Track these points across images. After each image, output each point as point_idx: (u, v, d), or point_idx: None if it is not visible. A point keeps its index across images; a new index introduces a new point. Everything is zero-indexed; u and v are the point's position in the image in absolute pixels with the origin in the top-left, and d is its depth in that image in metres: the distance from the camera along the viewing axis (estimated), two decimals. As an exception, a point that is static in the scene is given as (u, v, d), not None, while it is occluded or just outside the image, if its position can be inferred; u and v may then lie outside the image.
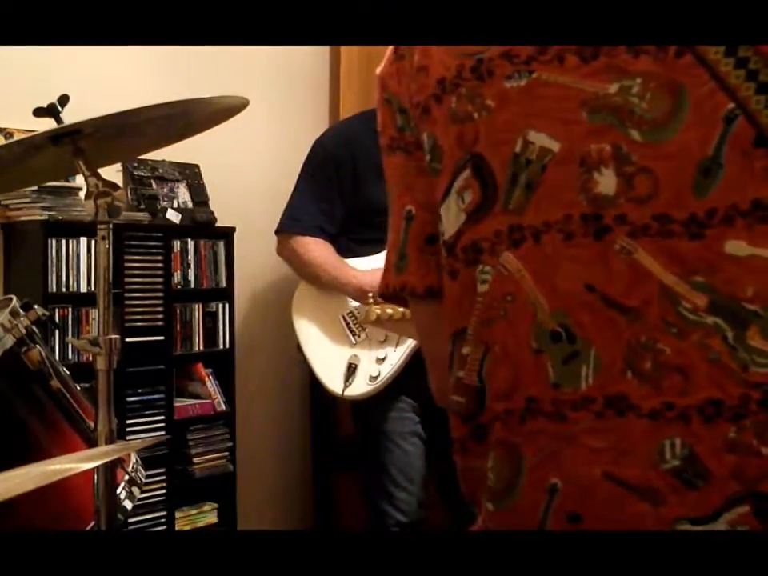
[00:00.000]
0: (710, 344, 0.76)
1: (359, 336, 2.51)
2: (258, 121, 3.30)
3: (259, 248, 3.41)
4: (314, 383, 3.64)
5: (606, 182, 0.79)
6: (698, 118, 0.77)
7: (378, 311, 2.16)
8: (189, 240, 3.18)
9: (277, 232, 2.70)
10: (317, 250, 2.58)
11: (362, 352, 2.49)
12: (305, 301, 2.65)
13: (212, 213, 3.28)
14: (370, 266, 2.49)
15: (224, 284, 3.28)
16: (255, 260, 3.45)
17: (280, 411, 3.68)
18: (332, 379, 2.51)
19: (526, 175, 0.83)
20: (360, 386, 2.46)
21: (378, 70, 0.98)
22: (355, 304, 2.52)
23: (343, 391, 2.46)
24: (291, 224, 2.64)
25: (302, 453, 3.73)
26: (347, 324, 2.53)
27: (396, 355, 2.44)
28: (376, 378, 2.43)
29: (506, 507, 0.84)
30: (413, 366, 2.42)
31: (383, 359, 2.45)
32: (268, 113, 3.50)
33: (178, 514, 3.10)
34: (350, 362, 2.49)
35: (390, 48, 0.96)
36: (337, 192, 2.57)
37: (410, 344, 2.42)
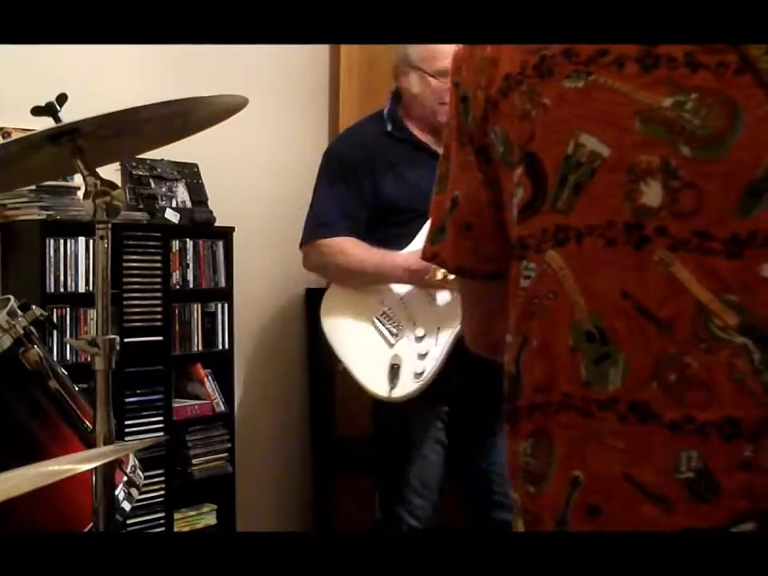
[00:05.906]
0: (736, 363, 0.76)
1: (397, 336, 2.44)
2: (258, 120, 3.29)
3: (258, 248, 3.40)
4: (313, 383, 3.66)
5: (652, 193, 0.80)
6: (751, 140, 0.77)
7: (444, 270, 2.07)
8: (187, 240, 3.16)
9: (302, 245, 2.56)
10: (351, 247, 2.47)
11: (403, 351, 2.42)
12: (333, 311, 2.56)
13: (211, 212, 3.27)
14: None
15: (223, 284, 3.27)
16: (254, 260, 3.44)
17: (279, 412, 3.67)
18: (376, 383, 2.42)
19: (576, 177, 0.84)
20: (407, 385, 2.38)
21: (456, 47, 1.00)
22: (387, 305, 2.47)
23: (390, 393, 2.38)
24: (317, 231, 2.52)
25: (302, 454, 3.73)
26: (382, 325, 2.48)
27: (438, 349, 2.37)
28: (421, 374, 2.36)
29: (541, 491, 0.87)
30: (444, 371, 2.36)
31: (425, 355, 2.38)
32: (268, 112, 3.50)
33: (176, 516, 3.09)
34: (392, 363, 2.41)
35: None
36: (358, 195, 2.48)
37: (449, 336, 2.35)
